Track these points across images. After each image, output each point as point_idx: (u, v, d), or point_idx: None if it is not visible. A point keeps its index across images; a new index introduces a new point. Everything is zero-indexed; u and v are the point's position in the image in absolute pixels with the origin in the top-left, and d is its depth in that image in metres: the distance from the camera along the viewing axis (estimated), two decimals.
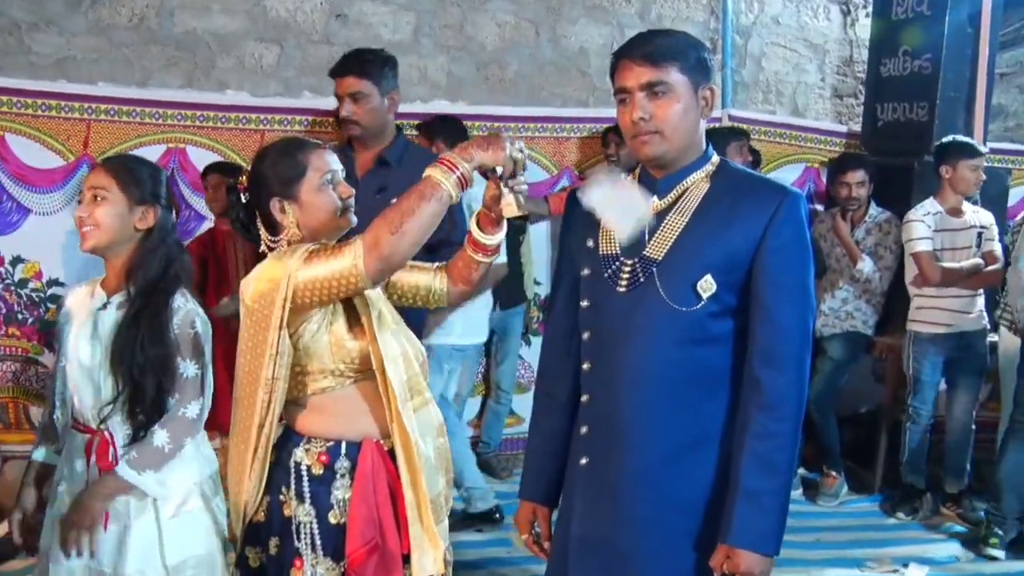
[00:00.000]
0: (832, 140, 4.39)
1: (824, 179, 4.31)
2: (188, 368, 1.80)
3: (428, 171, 1.56)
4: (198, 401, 1.80)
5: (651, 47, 1.47)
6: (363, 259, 1.51)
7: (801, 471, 4.02)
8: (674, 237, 1.51)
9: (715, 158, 1.57)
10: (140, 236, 1.82)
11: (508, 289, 3.84)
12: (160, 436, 1.77)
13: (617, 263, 1.56)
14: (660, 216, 1.54)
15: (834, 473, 3.87)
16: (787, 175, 4.27)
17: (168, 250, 1.84)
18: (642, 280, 1.52)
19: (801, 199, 1.50)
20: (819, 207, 4.31)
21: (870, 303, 3.84)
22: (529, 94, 4.30)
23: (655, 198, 1.56)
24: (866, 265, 3.72)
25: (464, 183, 1.56)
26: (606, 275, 1.56)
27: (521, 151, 1.64)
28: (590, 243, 1.61)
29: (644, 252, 1.53)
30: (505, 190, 1.67)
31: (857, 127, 4.51)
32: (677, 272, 1.50)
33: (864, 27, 4.67)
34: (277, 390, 1.60)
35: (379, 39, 4.06)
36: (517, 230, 3.85)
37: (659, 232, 1.53)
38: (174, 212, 1.90)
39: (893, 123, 4.17)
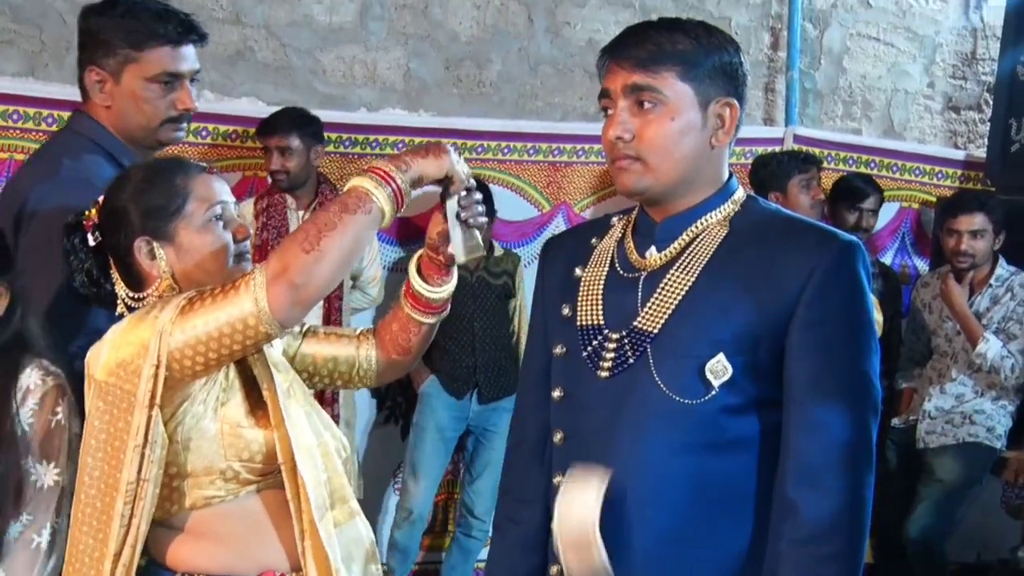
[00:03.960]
0: (941, 171, 4.51)
1: (928, 224, 4.41)
2: (43, 474, 1.80)
3: (354, 181, 1.64)
4: (55, 524, 1.80)
5: (643, 46, 1.56)
6: (266, 292, 1.56)
7: None
8: (675, 303, 1.58)
9: (739, 194, 1.66)
10: None
11: (492, 375, 3.90)
12: None
13: (600, 337, 1.63)
14: (658, 274, 1.62)
15: None
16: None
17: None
18: (632, 361, 1.59)
19: (858, 250, 1.57)
20: (920, 263, 4.40)
21: (998, 402, 3.90)
22: (517, 103, 4.43)
23: (653, 249, 1.64)
24: (991, 347, 3.79)
25: (400, 200, 1.65)
26: (584, 354, 1.63)
27: (467, 170, 1.73)
28: (565, 310, 1.69)
29: (635, 323, 1.60)
30: (456, 224, 1.76)
31: (980, 152, 4.63)
32: (678, 350, 1.56)
33: (995, 10, 4.82)
34: (144, 498, 1.61)
35: (311, 21, 4.22)
36: (504, 293, 3.93)
37: (656, 296, 1.60)
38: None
39: None
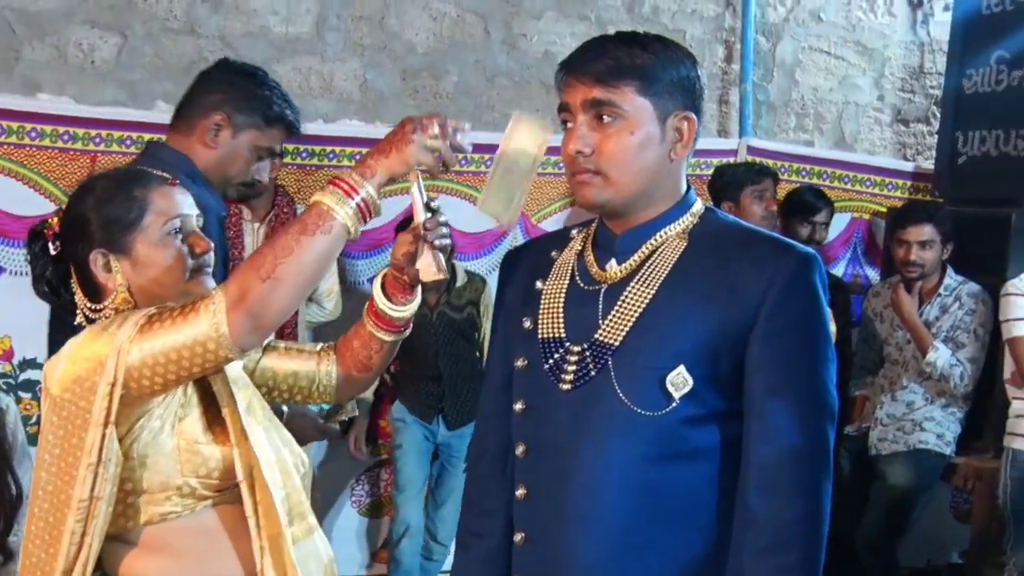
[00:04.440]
0: (891, 182, 4.58)
1: (879, 235, 4.48)
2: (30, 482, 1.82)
3: (317, 195, 1.62)
4: None
5: (601, 61, 1.58)
6: (226, 317, 1.55)
7: None
8: (636, 315, 1.60)
9: (697, 207, 1.68)
10: None
11: (459, 402, 3.86)
12: None
13: (561, 350, 1.64)
14: (619, 286, 1.63)
15: None
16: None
17: None
18: (593, 374, 1.60)
19: (815, 261, 1.60)
20: (871, 273, 4.45)
21: (947, 409, 3.95)
22: (474, 114, 4.44)
23: (613, 262, 1.65)
24: (940, 355, 3.84)
25: (367, 212, 1.62)
26: (546, 367, 1.64)
27: (442, 127, 1.64)
28: (527, 323, 1.69)
29: (596, 336, 1.61)
30: (423, 245, 1.76)
31: (928, 164, 4.71)
32: (639, 363, 1.58)
33: (941, 24, 4.92)
34: (97, 516, 1.60)
35: (267, 32, 4.20)
36: (469, 324, 3.88)
37: (616, 308, 1.61)
38: None
39: (981, 159, 4.35)
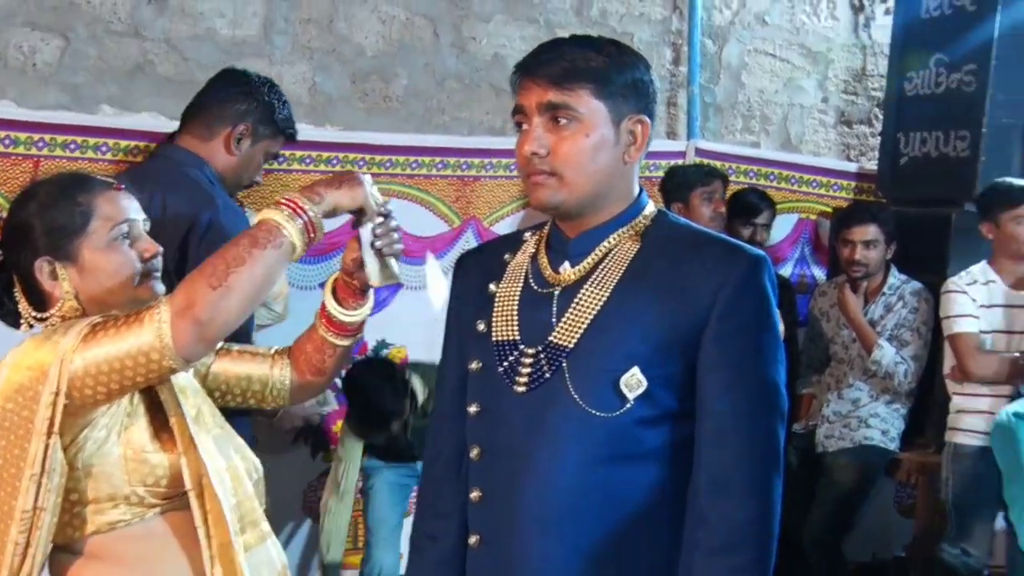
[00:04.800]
0: (836, 183, 4.64)
1: (825, 235, 4.53)
2: None
3: (264, 213, 1.63)
4: None
5: (558, 64, 1.59)
6: (170, 327, 1.54)
7: None
8: (590, 318, 1.61)
9: (649, 209, 1.69)
10: None
11: None
12: None
13: (516, 353, 1.64)
14: (572, 289, 1.64)
15: None
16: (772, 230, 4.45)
17: None
18: (548, 376, 1.61)
19: (764, 264, 1.62)
20: (818, 273, 4.51)
21: (892, 406, 4.02)
22: (423, 117, 4.44)
23: (567, 264, 1.66)
24: (885, 354, 3.91)
25: (312, 232, 1.64)
26: (500, 369, 1.65)
27: (381, 199, 1.75)
28: (480, 326, 1.70)
29: (550, 338, 1.62)
30: (371, 251, 1.75)
31: (872, 164, 4.77)
32: (594, 365, 1.59)
33: (882, 28, 4.99)
34: (40, 527, 1.59)
35: (213, 34, 4.15)
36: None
37: (570, 311, 1.63)
38: None
39: (922, 160, 4.42)
